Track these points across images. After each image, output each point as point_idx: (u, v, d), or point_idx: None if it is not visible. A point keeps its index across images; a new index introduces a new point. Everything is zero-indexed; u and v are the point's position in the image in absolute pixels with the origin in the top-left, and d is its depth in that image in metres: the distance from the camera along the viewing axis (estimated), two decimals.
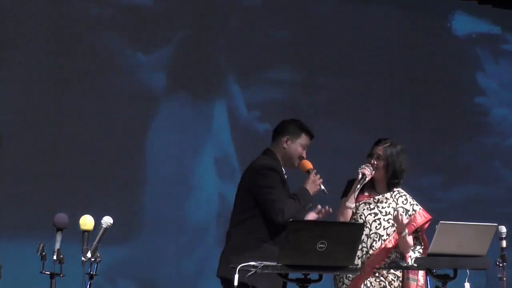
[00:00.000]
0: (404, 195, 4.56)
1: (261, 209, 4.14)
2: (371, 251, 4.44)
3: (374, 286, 4.43)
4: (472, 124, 7.14)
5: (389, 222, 4.50)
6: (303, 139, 4.29)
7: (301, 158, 4.28)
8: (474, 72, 7.17)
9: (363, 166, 4.49)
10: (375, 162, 4.48)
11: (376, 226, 4.47)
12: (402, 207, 4.54)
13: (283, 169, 4.31)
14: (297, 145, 4.28)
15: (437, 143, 6.92)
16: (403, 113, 6.80)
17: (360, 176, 4.42)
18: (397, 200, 4.55)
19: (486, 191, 6.88)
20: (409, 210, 4.53)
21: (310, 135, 4.33)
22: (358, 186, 4.44)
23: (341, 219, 4.44)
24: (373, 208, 4.45)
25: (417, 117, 6.84)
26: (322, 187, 4.16)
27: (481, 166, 6.97)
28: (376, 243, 4.45)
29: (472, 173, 6.93)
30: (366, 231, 4.45)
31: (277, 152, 4.29)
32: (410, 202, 4.55)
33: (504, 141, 7.13)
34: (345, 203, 4.43)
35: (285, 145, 4.29)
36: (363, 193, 4.55)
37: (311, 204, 4.16)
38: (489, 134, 7.12)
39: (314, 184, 4.18)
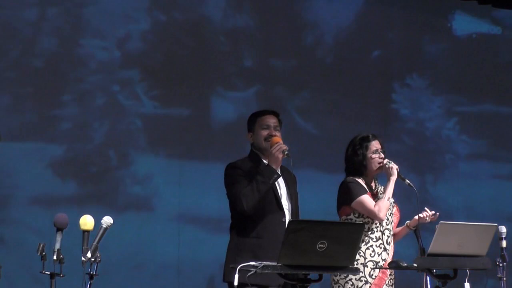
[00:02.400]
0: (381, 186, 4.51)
1: (230, 207, 4.19)
2: (388, 247, 4.33)
3: (388, 283, 4.32)
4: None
5: (391, 217, 4.41)
6: (260, 121, 4.24)
7: (269, 137, 4.23)
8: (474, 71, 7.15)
9: (388, 161, 4.38)
10: (383, 156, 4.39)
11: (386, 222, 4.36)
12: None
13: (265, 161, 4.20)
14: (258, 131, 4.24)
15: None
16: (460, 118, 6.90)
17: (396, 171, 4.29)
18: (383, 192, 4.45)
19: None
20: (391, 203, 4.45)
21: (265, 113, 4.28)
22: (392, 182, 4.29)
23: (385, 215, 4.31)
24: None
25: (481, 123, 6.92)
26: (286, 152, 4.08)
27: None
28: (389, 238, 4.35)
29: None
30: (380, 227, 4.33)
31: (254, 149, 4.29)
32: None
33: None
34: (387, 199, 4.29)
35: (251, 140, 4.28)
36: (371, 190, 4.40)
37: (275, 176, 4.13)
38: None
39: (273, 155, 4.09)
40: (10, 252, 5.37)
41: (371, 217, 4.23)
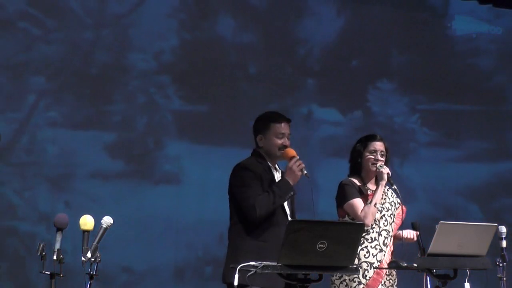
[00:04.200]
0: (388, 188, 4.12)
1: (237, 209, 3.78)
2: (384, 248, 4.01)
3: (386, 284, 4.03)
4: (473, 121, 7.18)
5: (391, 218, 4.07)
6: (276, 129, 3.80)
7: (283, 147, 3.79)
8: (475, 70, 7.13)
9: (381, 165, 3.99)
10: (382, 159, 4.04)
11: (384, 223, 4.03)
12: (393, 201, 4.13)
13: (270, 164, 3.84)
14: (271, 137, 3.79)
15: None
16: (421, 114, 7.03)
17: (385, 176, 3.93)
18: (387, 194, 4.12)
19: None
20: (396, 203, 4.16)
21: (281, 121, 3.82)
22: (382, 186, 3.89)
23: (372, 221, 3.90)
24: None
25: (437, 117, 7.03)
26: (305, 171, 3.66)
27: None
28: (387, 239, 4.02)
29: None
30: (376, 228, 4.00)
31: (260, 150, 3.86)
32: (394, 195, 4.15)
33: None
34: (374, 205, 3.92)
35: (260, 143, 3.84)
36: (367, 192, 4.04)
37: (292, 193, 3.75)
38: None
39: (293, 172, 3.67)
40: (74, 214, 5.66)
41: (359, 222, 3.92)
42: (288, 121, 3.89)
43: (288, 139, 3.85)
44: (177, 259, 6.36)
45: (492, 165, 7.27)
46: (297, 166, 3.70)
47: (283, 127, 3.85)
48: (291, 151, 3.78)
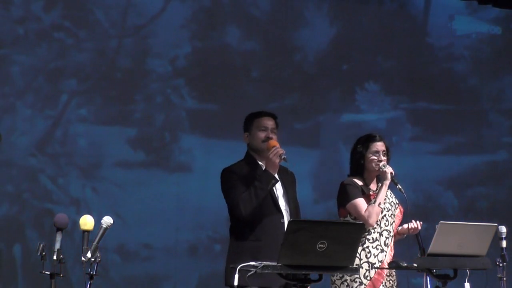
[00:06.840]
0: (388, 189, 3.97)
1: (228, 211, 3.72)
2: (386, 248, 3.90)
3: (386, 285, 3.93)
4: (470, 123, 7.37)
5: (391, 218, 3.97)
6: (257, 123, 3.74)
7: (266, 139, 3.72)
8: (451, 74, 7.33)
9: (384, 164, 3.84)
10: (384, 158, 3.90)
11: (385, 223, 3.92)
12: (393, 201, 4.04)
13: (261, 163, 3.68)
14: (255, 132, 3.73)
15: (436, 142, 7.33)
16: (403, 112, 7.29)
17: (389, 175, 3.77)
18: (386, 194, 3.99)
19: None
20: (395, 203, 4.06)
21: (263, 115, 3.77)
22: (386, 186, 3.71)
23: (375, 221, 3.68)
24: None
25: (418, 115, 7.25)
26: (283, 156, 3.56)
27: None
28: (388, 239, 3.91)
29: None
30: (377, 229, 3.88)
31: (249, 150, 3.80)
32: (393, 195, 4.04)
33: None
34: (378, 204, 3.76)
35: (247, 140, 3.78)
36: (369, 192, 3.89)
37: (273, 181, 3.63)
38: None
39: (270, 160, 3.58)
40: (101, 198, 6.55)
41: (362, 222, 3.88)
42: (270, 115, 3.88)
43: (272, 132, 3.82)
44: (190, 237, 6.77)
45: (466, 157, 7.71)
46: (275, 154, 3.64)
47: (265, 120, 3.85)
48: (273, 142, 3.74)
